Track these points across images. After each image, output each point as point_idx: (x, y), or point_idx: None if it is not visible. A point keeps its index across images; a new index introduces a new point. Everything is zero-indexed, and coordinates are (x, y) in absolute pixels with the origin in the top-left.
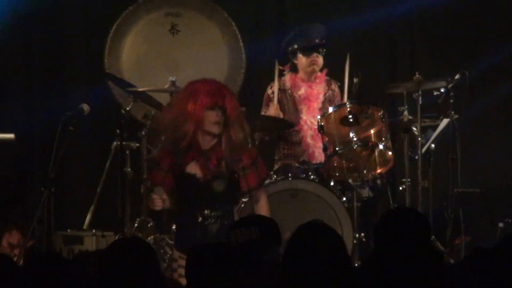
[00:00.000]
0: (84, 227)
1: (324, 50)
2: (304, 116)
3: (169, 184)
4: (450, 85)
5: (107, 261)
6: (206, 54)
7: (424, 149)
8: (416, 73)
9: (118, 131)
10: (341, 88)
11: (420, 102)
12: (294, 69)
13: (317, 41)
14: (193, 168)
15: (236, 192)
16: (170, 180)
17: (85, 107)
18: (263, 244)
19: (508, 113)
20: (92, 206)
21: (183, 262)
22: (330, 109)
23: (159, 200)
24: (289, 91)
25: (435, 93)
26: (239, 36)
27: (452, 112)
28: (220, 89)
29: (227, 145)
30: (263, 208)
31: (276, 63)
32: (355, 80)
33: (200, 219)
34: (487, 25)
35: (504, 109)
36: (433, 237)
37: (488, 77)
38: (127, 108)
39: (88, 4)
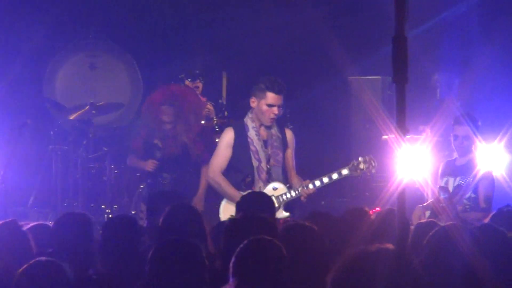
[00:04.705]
0: (28, 205)
1: (203, 79)
2: None
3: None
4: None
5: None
6: (115, 83)
7: None
8: None
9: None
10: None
11: None
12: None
13: (197, 72)
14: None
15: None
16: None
17: (29, 121)
18: None
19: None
20: (34, 190)
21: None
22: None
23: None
24: None
25: None
26: (138, 70)
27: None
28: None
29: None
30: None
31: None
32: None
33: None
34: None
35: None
36: None
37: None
38: (59, 122)
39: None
